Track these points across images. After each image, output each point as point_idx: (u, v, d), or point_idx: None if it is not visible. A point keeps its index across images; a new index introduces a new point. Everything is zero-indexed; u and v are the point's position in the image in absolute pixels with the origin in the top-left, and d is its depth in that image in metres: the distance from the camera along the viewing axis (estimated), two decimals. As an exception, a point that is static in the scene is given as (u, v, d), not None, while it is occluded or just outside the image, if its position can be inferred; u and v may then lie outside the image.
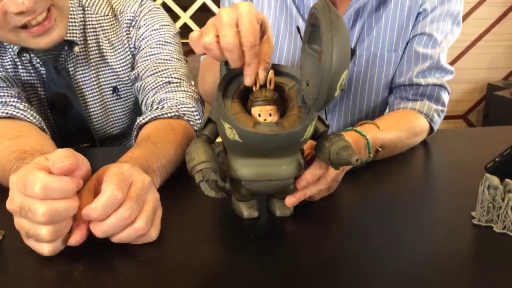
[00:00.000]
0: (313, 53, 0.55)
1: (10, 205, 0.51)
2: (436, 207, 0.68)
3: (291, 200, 0.63)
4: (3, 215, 0.58)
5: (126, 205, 0.52)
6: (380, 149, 0.82)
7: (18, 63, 0.94)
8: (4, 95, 0.83)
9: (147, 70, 0.96)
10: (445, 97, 1.02)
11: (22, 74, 0.95)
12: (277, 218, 0.64)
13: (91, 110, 1.02)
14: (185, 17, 2.33)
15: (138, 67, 0.98)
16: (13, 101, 0.83)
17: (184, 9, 2.35)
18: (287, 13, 1.03)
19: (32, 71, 0.96)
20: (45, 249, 0.52)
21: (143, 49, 0.99)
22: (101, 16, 1.00)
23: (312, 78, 0.54)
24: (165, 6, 2.30)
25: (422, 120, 0.97)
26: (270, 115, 0.57)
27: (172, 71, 0.95)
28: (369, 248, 0.57)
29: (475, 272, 0.52)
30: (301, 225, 0.63)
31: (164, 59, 0.97)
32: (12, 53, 0.93)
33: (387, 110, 1.13)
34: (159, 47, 0.99)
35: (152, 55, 0.98)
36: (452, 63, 3.05)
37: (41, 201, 0.49)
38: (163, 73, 0.94)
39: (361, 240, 0.59)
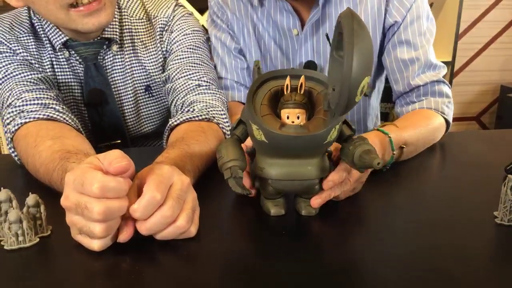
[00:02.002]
0: (340, 59, 0.58)
1: (65, 202, 0.55)
2: (459, 207, 0.70)
3: (317, 201, 0.65)
4: (51, 211, 0.62)
5: (168, 205, 0.56)
6: (404, 146, 0.85)
7: (55, 63, 0.98)
8: (44, 97, 0.87)
9: (178, 72, 1.00)
10: (447, 89, 1.05)
11: (58, 74, 0.99)
12: (303, 217, 0.67)
13: (125, 107, 1.06)
14: (202, 19, 2.37)
15: (169, 69, 1.02)
16: (53, 103, 0.87)
17: (202, 12, 2.38)
18: (260, 39, 1.13)
19: (68, 70, 1.00)
20: (96, 245, 0.55)
21: (174, 52, 1.03)
22: (136, 19, 1.04)
23: (337, 84, 0.58)
24: (181, 9, 2.34)
25: (435, 115, 1.00)
26: (298, 117, 0.60)
27: (202, 74, 0.98)
28: (393, 245, 0.59)
29: (500, 268, 0.55)
30: (327, 224, 0.66)
31: (194, 63, 1.01)
32: (51, 51, 0.97)
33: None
34: (190, 51, 1.02)
35: (183, 58, 1.02)
36: (465, 65, 3.06)
37: (97, 199, 0.52)
38: (194, 76, 0.98)
39: (386, 238, 0.62)
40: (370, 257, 0.57)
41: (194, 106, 0.92)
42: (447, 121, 1.02)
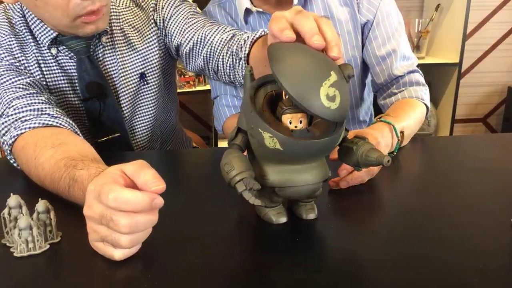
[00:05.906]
0: None
1: (89, 211, 0.54)
2: (474, 215, 0.68)
3: (343, 184, 0.75)
4: (61, 217, 0.62)
5: None
6: (403, 131, 0.93)
7: (42, 63, 0.95)
8: (36, 103, 0.85)
9: (204, 35, 1.00)
10: (421, 78, 1.16)
11: (46, 74, 0.96)
12: (305, 221, 0.66)
13: (121, 98, 1.04)
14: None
15: (187, 39, 1.03)
16: (46, 108, 0.84)
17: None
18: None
19: (56, 68, 0.97)
20: (117, 254, 0.54)
21: (178, 25, 1.04)
22: (123, 9, 1.04)
23: None
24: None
25: (418, 102, 1.10)
26: (301, 122, 0.59)
27: (225, 26, 1.01)
28: (406, 253, 0.58)
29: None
30: (333, 227, 0.65)
31: (210, 22, 1.03)
32: (36, 50, 0.94)
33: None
34: (195, 16, 1.04)
35: (196, 22, 1.03)
36: (472, 66, 3.04)
37: (123, 213, 0.51)
38: (221, 28, 1.00)
39: (397, 244, 0.60)
40: (384, 262, 0.56)
41: (242, 40, 0.93)
42: (426, 106, 1.11)
